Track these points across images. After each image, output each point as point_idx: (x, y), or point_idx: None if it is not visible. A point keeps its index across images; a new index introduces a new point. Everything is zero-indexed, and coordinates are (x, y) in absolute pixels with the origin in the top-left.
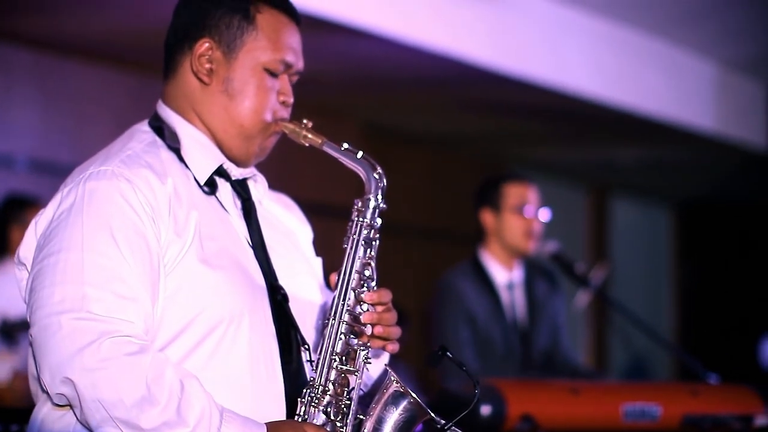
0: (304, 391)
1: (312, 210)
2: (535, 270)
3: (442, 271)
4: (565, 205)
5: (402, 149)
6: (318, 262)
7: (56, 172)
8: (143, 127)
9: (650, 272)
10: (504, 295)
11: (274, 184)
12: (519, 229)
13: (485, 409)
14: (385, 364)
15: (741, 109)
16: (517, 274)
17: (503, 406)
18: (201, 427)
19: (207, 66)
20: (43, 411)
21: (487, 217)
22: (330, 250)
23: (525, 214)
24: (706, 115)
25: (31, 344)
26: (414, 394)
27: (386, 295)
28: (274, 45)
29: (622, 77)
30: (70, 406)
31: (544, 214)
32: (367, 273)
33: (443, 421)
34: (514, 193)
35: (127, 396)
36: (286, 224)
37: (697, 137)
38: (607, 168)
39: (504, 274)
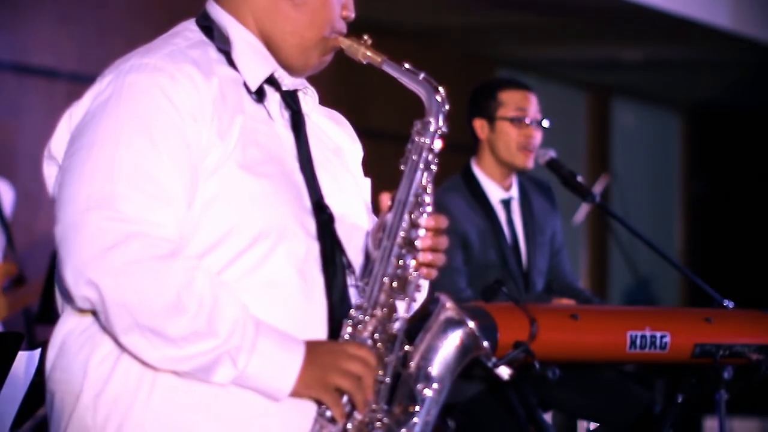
0: (351, 312)
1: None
2: (531, 184)
3: None
4: (562, 110)
5: (377, 44)
6: (366, 182)
7: None
8: (191, 26)
9: (657, 185)
10: (500, 213)
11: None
12: (515, 142)
13: None
14: (437, 293)
15: (761, 3)
16: (514, 190)
17: (494, 333)
18: (234, 339)
19: None
20: (68, 324)
21: (481, 128)
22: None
23: (523, 124)
24: (721, 8)
25: (56, 244)
26: (471, 323)
27: (443, 222)
28: None
29: None
30: (94, 314)
31: (544, 125)
32: (424, 198)
33: (494, 359)
34: (511, 100)
35: (153, 301)
36: (336, 140)
37: (711, 33)
38: (610, 68)
39: (499, 190)
